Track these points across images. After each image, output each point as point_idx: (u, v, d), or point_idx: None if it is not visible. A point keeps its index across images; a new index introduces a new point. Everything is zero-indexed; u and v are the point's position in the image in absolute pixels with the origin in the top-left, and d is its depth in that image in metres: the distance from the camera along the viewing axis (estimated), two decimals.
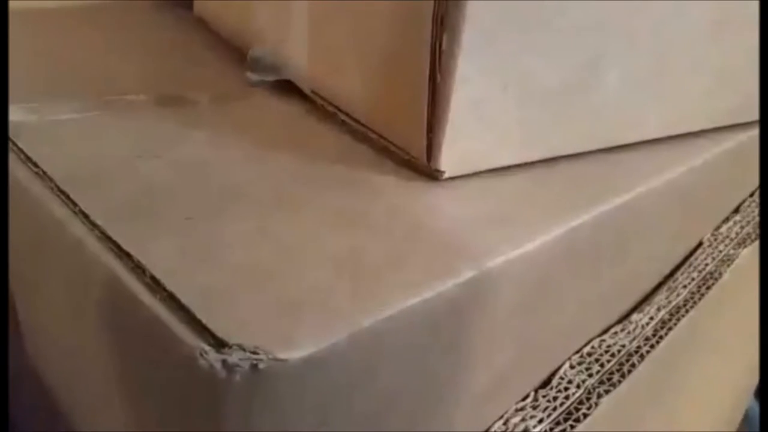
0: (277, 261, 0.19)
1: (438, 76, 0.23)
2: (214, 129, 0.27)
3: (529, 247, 0.22)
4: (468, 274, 0.19)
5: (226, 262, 0.18)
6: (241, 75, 0.33)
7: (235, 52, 0.35)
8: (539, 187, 0.26)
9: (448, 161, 0.25)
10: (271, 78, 0.34)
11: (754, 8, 0.32)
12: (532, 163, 0.27)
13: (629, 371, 0.28)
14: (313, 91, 0.31)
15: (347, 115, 0.29)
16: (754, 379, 0.61)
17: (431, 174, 0.25)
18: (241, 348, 0.15)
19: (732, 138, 0.34)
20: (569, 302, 0.27)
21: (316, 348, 0.16)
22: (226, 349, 0.15)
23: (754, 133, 0.36)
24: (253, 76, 0.33)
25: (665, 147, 0.31)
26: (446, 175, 0.25)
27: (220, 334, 0.15)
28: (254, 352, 0.15)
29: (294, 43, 0.32)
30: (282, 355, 0.15)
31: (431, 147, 0.25)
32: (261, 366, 0.15)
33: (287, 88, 0.32)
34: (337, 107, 0.29)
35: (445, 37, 0.23)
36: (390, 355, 0.18)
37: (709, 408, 0.48)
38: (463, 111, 0.24)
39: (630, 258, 0.30)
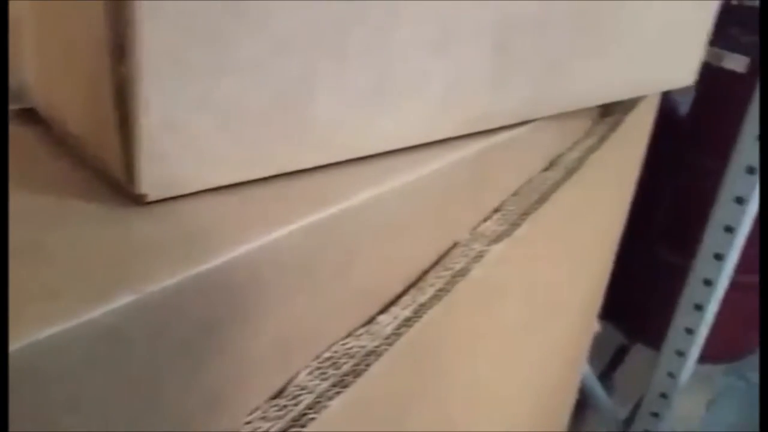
0: None
1: (124, 100, 0.24)
2: None
3: (204, 268, 0.22)
4: (124, 300, 0.20)
5: None
6: None
7: None
8: (246, 205, 0.26)
9: (150, 185, 0.25)
10: (15, 106, 0.33)
11: (479, 23, 0.34)
12: (254, 182, 0.28)
13: (363, 371, 0.30)
14: (45, 115, 0.30)
15: (73, 138, 0.29)
16: (548, 378, 0.65)
17: (135, 198, 0.25)
18: None
19: (472, 145, 0.37)
20: (292, 313, 0.28)
21: None
22: None
23: (496, 139, 0.39)
24: None
25: (399, 156, 0.34)
26: (150, 198, 0.25)
27: None
28: None
29: (28, 66, 0.31)
30: None
31: (130, 171, 0.25)
32: None
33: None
34: (65, 131, 0.29)
35: (125, 62, 0.23)
36: (42, 387, 0.18)
37: (501, 401, 0.52)
38: (156, 134, 0.24)
39: (365, 263, 0.31)
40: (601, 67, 0.46)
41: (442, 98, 0.34)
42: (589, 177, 0.54)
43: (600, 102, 0.49)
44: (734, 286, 1.36)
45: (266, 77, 0.27)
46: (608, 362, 1.40)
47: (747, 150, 0.86)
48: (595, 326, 1.45)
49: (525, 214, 0.42)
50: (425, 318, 0.33)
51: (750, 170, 0.86)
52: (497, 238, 0.40)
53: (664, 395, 1.04)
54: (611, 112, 0.57)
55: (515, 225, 0.41)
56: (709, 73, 1.16)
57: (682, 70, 0.59)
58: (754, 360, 1.48)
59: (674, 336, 0.99)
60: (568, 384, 0.83)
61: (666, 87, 0.58)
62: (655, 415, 1.05)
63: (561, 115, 0.46)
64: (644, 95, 0.57)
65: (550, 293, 0.53)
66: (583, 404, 1.26)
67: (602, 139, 0.54)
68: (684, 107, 1.25)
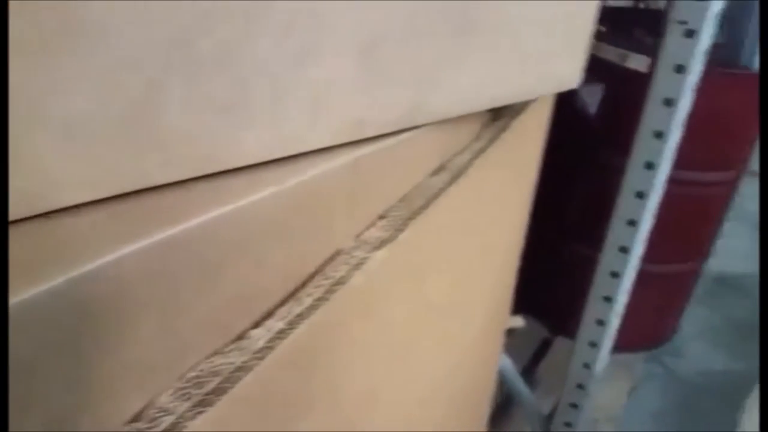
0: None
1: None
2: None
3: (51, 285, 0.22)
4: None
5: None
6: None
7: None
8: (102, 221, 0.26)
9: None
10: None
11: (343, 34, 0.35)
12: (114, 197, 0.27)
13: (229, 388, 0.29)
14: None
15: None
16: (460, 378, 0.66)
17: None
18: None
19: (350, 153, 0.37)
20: (149, 331, 0.27)
21: None
22: None
23: (377, 146, 0.39)
24: None
25: (274, 166, 0.33)
26: None
27: None
28: None
29: None
30: None
31: None
32: None
33: None
34: None
35: None
36: None
37: (407, 405, 0.52)
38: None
39: (235, 276, 0.31)
40: (482, 74, 0.47)
41: (310, 109, 0.35)
42: (481, 179, 0.55)
43: (482, 108, 0.50)
44: (645, 276, 1.43)
45: (109, 94, 0.26)
46: (532, 356, 1.43)
47: (645, 146, 0.89)
48: (519, 322, 1.49)
49: (410, 219, 0.43)
50: (301, 328, 0.33)
51: (648, 166, 0.90)
52: (380, 245, 0.40)
53: (581, 386, 1.07)
54: (501, 116, 0.58)
55: (399, 231, 0.42)
56: (615, 73, 1.22)
57: (566, 74, 0.61)
58: (671, 346, 1.55)
59: (586, 328, 1.03)
60: (483, 383, 0.84)
61: (551, 90, 0.60)
62: (574, 406, 1.08)
63: (448, 120, 0.47)
64: (531, 99, 0.58)
65: (447, 295, 0.54)
66: (508, 402, 1.29)
67: (491, 142, 0.55)
68: (593, 107, 1.30)
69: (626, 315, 1.47)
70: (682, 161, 1.30)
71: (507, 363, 1.15)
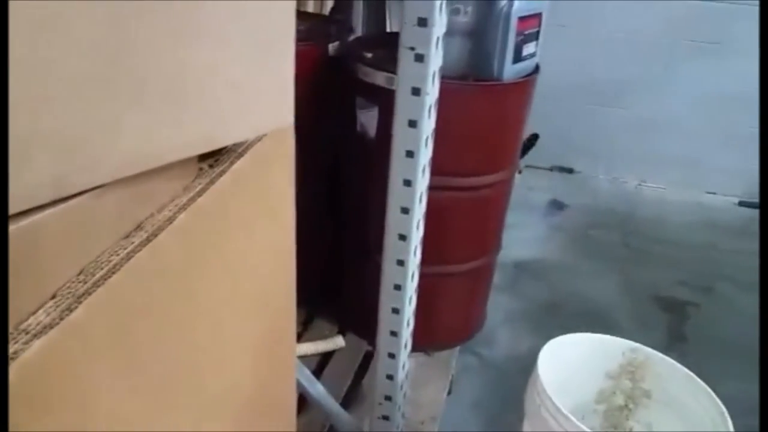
0: None
1: None
2: None
3: None
4: None
5: None
6: None
7: None
8: None
9: None
10: None
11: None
12: None
13: None
14: None
15: None
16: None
17: None
18: None
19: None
20: None
21: None
22: None
23: (35, 221, 0.39)
24: None
25: None
26: None
27: None
28: None
29: None
30: None
31: None
32: None
33: None
34: None
35: None
36: None
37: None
38: None
39: None
40: (163, 127, 0.48)
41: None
42: (204, 226, 0.56)
43: (171, 160, 0.50)
44: (451, 276, 1.52)
45: None
46: (355, 373, 1.47)
47: (400, 165, 0.95)
48: (340, 342, 1.52)
49: (84, 296, 0.42)
50: None
51: (407, 183, 0.96)
52: (43, 331, 0.39)
53: (388, 398, 1.11)
54: (220, 162, 0.60)
55: (68, 311, 0.41)
56: (385, 96, 1.29)
57: (273, 114, 0.64)
58: (482, 336, 1.66)
59: (383, 340, 1.07)
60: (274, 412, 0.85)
61: (259, 131, 0.62)
62: (386, 418, 1.13)
63: (140, 176, 0.47)
64: (241, 141, 0.61)
65: (203, 341, 0.54)
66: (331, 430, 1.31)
67: (202, 192, 0.56)
68: (372, 130, 1.37)
69: (437, 314, 1.56)
70: (462, 169, 1.41)
71: (319, 389, 1.17)
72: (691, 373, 1.07)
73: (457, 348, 1.59)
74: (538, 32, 1.35)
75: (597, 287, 1.94)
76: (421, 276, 1.23)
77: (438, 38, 0.90)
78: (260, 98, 0.60)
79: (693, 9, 2.34)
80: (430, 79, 0.92)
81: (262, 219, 0.71)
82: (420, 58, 0.90)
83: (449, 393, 1.49)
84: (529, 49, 1.33)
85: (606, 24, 2.43)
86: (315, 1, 1.79)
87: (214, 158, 0.61)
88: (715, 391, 1.06)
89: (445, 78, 0.96)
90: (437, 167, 1.17)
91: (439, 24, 0.89)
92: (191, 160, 0.56)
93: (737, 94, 2.39)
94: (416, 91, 0.92)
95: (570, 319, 1.77)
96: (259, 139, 0.64)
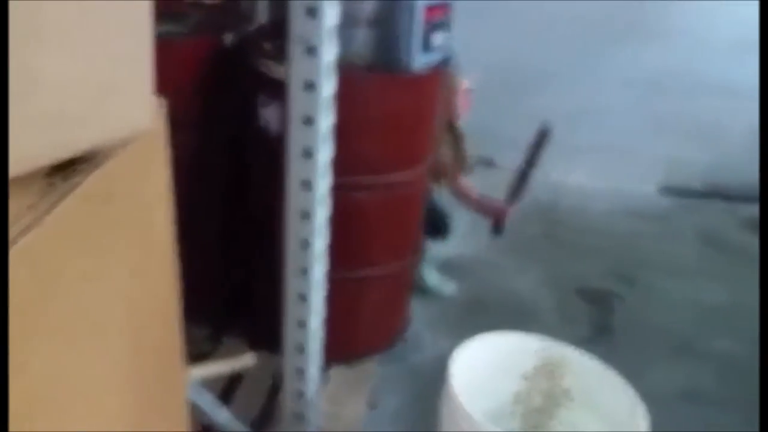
0: None
1: None
2: None
3: None
4: None
5: None
6: None
7: None
8: None
9: None
10: None
11: None
12: None
13: None
14: None
15: None
16: None
17: None
18: None
19: None
20: None
21: None
22: None
23: None
24: None
25: None
26: None
27: None
28: None
29: None
30: None
31: None
32: None
33: None
34: None
35: None
36: None
37: None
38: None
39: None
40: None
41: None
42: (54, 249, 0.47)
43: (10, 175, 0.42)
44: (369, 281, 1.45)
45: None
46: (271, 390, 1.38)
47: (298, 166, 0.87)
48: (250, 360, 1.42)
49: None
50: None
51: (305, 185, 0.88)
52: None
53: (299, 416, 1.03)
54: (74, 175, 0.51)
55: None
56: (285, 90, 1.20)
57: (130, 117, 0.55)
58: (406, 341, 1.60)
59: (290, 355, 0.99)
60: None
61: (115, 136, 0.54)
62: None
63: None
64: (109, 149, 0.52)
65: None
66: None
67: (50, 210, 0.47)
68: (275, 125, 1.27)
69: (356, 323, 1.49)
70: (373, 166, 1.34)
71: (224, 415, 1.07)
72: (608, 369, 1.04)
73: (380, 356, 1.52)
74: (447, 22, 1.30)
75: (522, 282, 1.91)
76: (336, 283, 1.16)
77: (330, 29, 0.82)
78: (114, 101, 0.52)
79: None
80: (324, 72, 0.84)
81: (129, 236, 0.62)
82: (312, 50, 0.82)
83: (372, 404, 1.42)
84: (438, 39, 1.27)
85: (529, 12, 2.41)
86: None
87: (67, 171, 0.52)
88: (642, 379, 1.04)
89: (351, 69, 0.88)
90: (346, 165, 1.10)
91: (331, 14, 0.81)
92: (36, 175, 0.49)
93: (657, 79, 2.41)
94: (310, 86, 0.84)
95: (495, 317, 1.72)
96: (122, 146, 0.56)
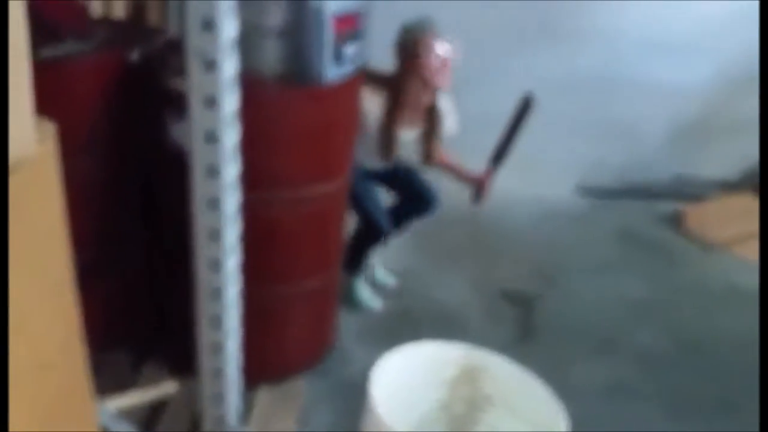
0: None
1: None
2: None
3: None
4: None
5: None
6: None
7: None
8: None
9: None
10: None
11: None
12: None
13: None
14: None
15: None
16: None
17: None
18: None
19: None
20: None
21: None
22: None
23: None
24: None
25: None
26: None
27: None
28: None
29: None
30: None
31: None
32: None
33: None
34: None
35: None
36: None
37: None
38: None
39: None
40: None
41: None
42: None
43: None
44: (294, 297, 1.42)
45: None
46: (193, 417, 1.32)
47: (203, 185, 0.85)
48: (171, 387, 1.37)
49: None
50: None
51: (211, 204, 0.86)
52: None
53: None
54: None
55: None
56: None
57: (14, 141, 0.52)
58: (335, 355, 1.57)
59: (206, 380, 0.96)
60: None
61: None
62: None
63: None
64: None
65: None
66: None
67: None
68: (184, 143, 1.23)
69: (281, 340, 1.45)
70: (290, 180, 1.31)
71: None
72: (527, 373, 1.04)
73: (309, 372, 1.49)
74: (360, 32, 1.29)
75: (447, 289, 1.92)
76: (256, 301, 1.12)
77: (229, 42, 0.80)
78: None
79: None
80: (226, 87, 0.81)
81: (20, 273, 0.57)
82: (211, 65, 0.80)
83: (302, 423, 1.39)
84: (350, 50, 1.26)
85: (438, 17, 2.42)
86: (127, 1, 1.60)
87: None
88: (567, 376, 1.05)
89: (260, 82, 0.86)
90: (258, 181, 1.07)
91: (229, 26, 0.79)
92: None
93: (570, 81, 2.46)
94: (210, 102, 0.81)
95: (423, 325, 1.73)
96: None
